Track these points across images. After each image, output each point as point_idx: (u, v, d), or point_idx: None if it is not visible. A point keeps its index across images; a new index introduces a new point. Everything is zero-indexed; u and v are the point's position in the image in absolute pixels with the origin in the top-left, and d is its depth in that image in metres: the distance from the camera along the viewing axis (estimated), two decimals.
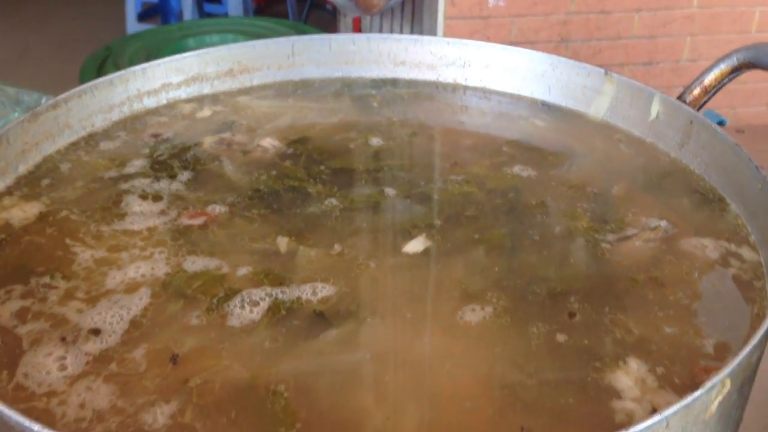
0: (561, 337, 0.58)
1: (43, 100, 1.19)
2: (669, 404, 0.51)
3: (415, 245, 0.67)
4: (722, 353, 0.57)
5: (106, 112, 0.88)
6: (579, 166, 0.81)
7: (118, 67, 1.94)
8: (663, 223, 0.71)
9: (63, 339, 0.57)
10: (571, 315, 0.60)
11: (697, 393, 0.46)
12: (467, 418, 0.52)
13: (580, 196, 0.75)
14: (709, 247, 0.68)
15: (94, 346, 0.56)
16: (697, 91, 0.82)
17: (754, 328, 0.57)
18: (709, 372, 0.55)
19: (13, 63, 3.47)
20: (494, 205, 0.74)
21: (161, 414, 0.51)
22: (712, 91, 0.82)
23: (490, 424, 0.52)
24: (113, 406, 0.52)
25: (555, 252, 0.67)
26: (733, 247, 0.68)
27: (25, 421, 0.45)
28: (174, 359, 0.55)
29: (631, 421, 0.52)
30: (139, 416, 0.51)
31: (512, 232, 0.70)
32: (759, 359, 0.55)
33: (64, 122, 0.83)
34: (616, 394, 0.54)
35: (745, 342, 0.50)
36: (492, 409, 0.52)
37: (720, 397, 0.48)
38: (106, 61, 2.06)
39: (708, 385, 0.47)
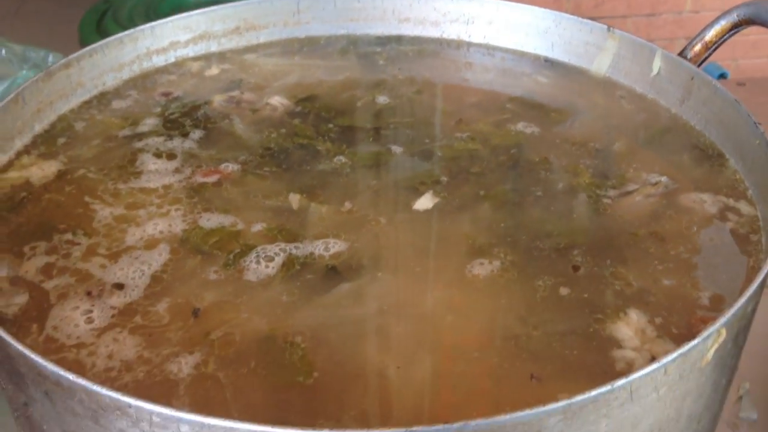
0: (564, 290, 0.60)
1: (50, 58, 1.19)
2: (667, 353, 0.54)
3: (424, 202, 0.69)
4: (718, 304, 0.60)
5: (117, 70, 0.89)
6: (581, 123, 0.83)
7: (117, 21, 1.93)
8: (663, 179, 0.73)
9: (89, 293, 0.59)
10: (575, 268, 0.62)
11: (694, 342, 0.48)
12: (475, 368, 0.55)
13: (582, 153, 0.77)
14: (707, 202, 0.70)
15: (118, 299, 0.59)
16: (698, 47, 0.83)
17: (749, 280, 0.59)
18: (705, 322, 0.57)
19: (9, 18, 3.45)
20: (499, 161, 0.76)
21: (186, 364, 0.54)
22: (713, 47, 0.83)
23: (498, 373, 0.55)
24: (140, 357, 0.54)
25: (558, 208, 0.70)
26: (731, 201, 0.70)
27: (60, 371, 0.47)
28: (195, 313, 0.57)
29: (631, 369, 0.54)
30: (164, 366, 0.54)
31: (517, 188, 0.72)
32: (754, 309, 0.57)
33: (76, 81, 0.85)
34: (617, 343, 0.57)
35: (741, 293, 0.53)
36: (499, 359, 0.55)
37: (716, 346, 0.51)
38: (105, 14, 2.05)
39: (704, 334, 0.49)
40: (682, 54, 0.83)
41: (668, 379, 0.49)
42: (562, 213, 0.69)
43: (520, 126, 0.82)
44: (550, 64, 0.94)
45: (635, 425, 0.49)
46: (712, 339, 0.50)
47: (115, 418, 0.46)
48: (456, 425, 0.43)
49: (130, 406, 0.45)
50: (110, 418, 0.47)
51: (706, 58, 0.83)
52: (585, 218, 0.68)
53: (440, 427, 0.43)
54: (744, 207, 0.70)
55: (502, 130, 0.81)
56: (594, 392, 0.45)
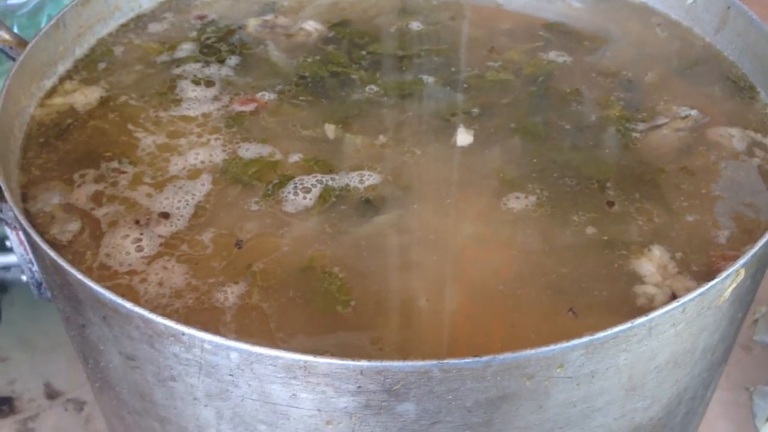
0: (593, 226, 0.63)
1: None
2: (687, 289, 0.57)
3: (464, 138, 0.70)
4: (739, 242, 0.62)
5: None
6: (614, 52, 0.83)
7: None
8: (693, 113, 0.74)
9: (137, 222, 0.62)
10: (610, 204, 0.64)
11: (712, 282, 0.51)
12: (503, 301, 0.58)
13: (614, 84, 0.78)
14: (736, 137, 0.71)
15: (165, 229, 0.62)
16: None
17: None
18: (726, 259, 0.60)
19: None
20: (530, 92, 0.77)
21: (231, 293, 0.57)
22: None
23: (525, 305, 0.58)
24: (188, 284, 0.58)
25: (588, 142, 0.71)
26: (759, 137, 0.71)
27: (118, 299, 0.51)
28: (239, 244, 0.60)
29: (651, 304, 0.57)
30: (212, 294, 0.57)
31: (548, 121, 0.73)
32: None
33: (113, 4, 0.86)
34: (640, 279, 0.59)
35: (763, 233, 0.55)
36: (526, 291, 0.58)
37: (733, 285, 0.53)
38: None
39: (723, 274, 0.51)
40: None
41: (686, 317, 0.51)
42: (592, 147, 0.70)
43: (552, 55, 0.82)
44: None
45: (652, 358, 0.52)
46: (730, 279, 0.52)
47: (169, 343, 0.50)
48: (485, 358, 0.47)
49: (183, 334, 0.49)
50: (165, 343, 0.50)
51: None
52: (614, 153, 0.70)
53: (470, 360, 0.47)
54: None
55: (534, 59, 0.82)
56: (615, 329, 0.48)
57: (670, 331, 0.51)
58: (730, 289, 0.53)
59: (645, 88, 0.78)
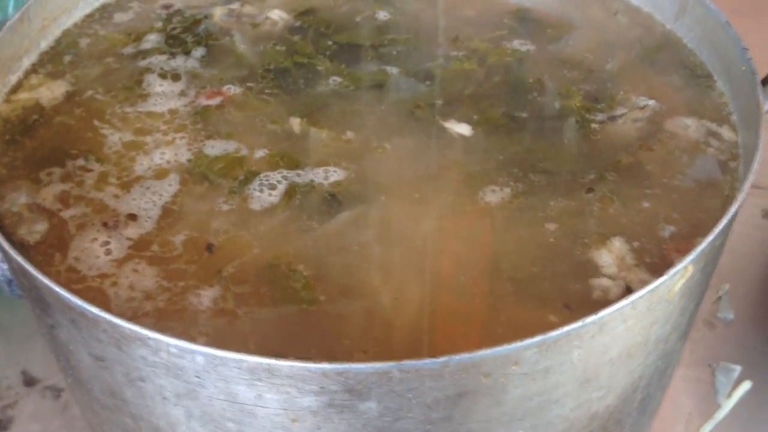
0: (557, 218, 0.64)
1: None
2: (641, 282, 0.59)
3: (464, 128, 0.71)
4: (692, 232, 0.64)
5: None
6: (576, 40, 0.84)
7: None
8: (651, 103, 0.76)
9: (105, 224, 0.63)
10: (589, 190, 0.66)
11: (660, 279, 0.53)
12: (467, 297, 0.60)
13: (575, 74, 0.79)
14: (692, 127, 0.73)
15: (133, 231, 0.63)
16: None
17: (723, 210, 0.62)
18: (678, 251, 0.62)
19: None
20: (493, 83, 0.78)
21: (205, 297, 0.58)
22: None
23: (489, 302, 0.59)
24: (160, 287, 0.59)
25: (549, 133, 0.72)
26: (714, 126, 0.73)
27: (84, 304, 0.52)
28: (209, 248, 0.61)
29: (607, 296, 0.59)
30: (183, 296, 0.58)
31: (509, 112, 0.75)
32: (723, 242, 0.62)
33: None
34: (597, 271, 0.61)
35: (711, 228, 0.57)
36: (492, 285, 0.60)
37: (682, 280, 0.55)
38: None
39: (671, 272, 0.53)
40: None
41: (636, 312, 0.53)
42: (553, 139, 0.72)
43: (515, 44, 0.83)
44: None
45: (605, 352, 0.55)
46: (679, 275, 0.54)
47: (136, 347, 0.52)
48: (442, 359, 0.48)
49: (149, 338, 0.50)
50: (132, 346, 0.52)
51: None
52: (574, 145, 0.71)
53: (427, 361, 0.48)
54: (726, 133, 0.72)
55: (498, 48, 0.83)
56: (566, 328, 0.50)
57: (621, 327, 0.54)
58: (679, 284, 0.55)
59: (605, 77, 0.79)
